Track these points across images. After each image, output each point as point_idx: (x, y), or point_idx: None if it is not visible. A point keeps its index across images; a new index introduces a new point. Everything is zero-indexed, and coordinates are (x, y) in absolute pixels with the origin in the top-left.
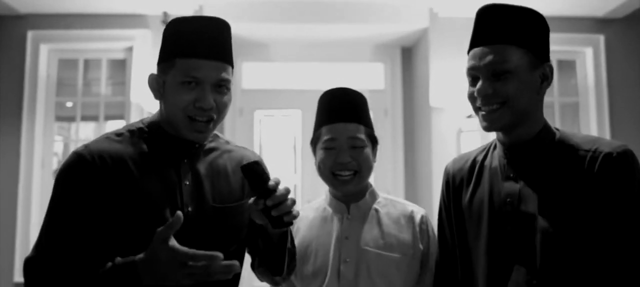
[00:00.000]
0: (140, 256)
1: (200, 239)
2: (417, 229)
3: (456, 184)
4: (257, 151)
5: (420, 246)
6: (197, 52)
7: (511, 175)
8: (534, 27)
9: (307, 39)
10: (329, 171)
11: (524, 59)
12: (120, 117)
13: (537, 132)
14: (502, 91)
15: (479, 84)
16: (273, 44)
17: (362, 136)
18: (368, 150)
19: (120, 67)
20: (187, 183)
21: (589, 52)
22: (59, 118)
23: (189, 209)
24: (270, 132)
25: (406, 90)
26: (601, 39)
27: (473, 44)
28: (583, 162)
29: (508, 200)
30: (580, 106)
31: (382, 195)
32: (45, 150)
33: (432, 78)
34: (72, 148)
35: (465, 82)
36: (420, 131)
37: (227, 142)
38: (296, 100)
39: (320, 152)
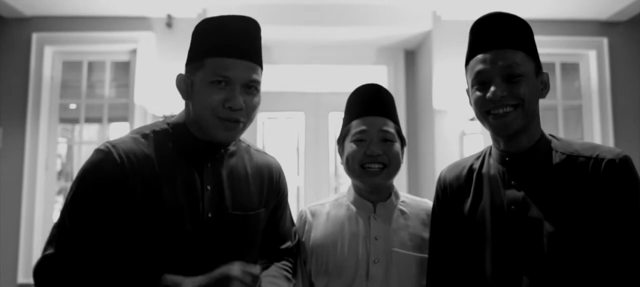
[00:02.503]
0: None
1: (218, 246)
2: None
3: (453, 192)
4: None
5: None
6: (227, 51)
7: (513, 182)
8: (531, 36)
9: (310, 42)
10: (358, 164)
11: (531, 65)
12: (124, 119)
13: (537, 140)
14: (517, 93)
15: (493, 87)
16: (276, 46)
17: (393, 131)
18: (397, 146)
19: (124, 70)
20: (209, 188)
21: (592, 55)
22: (63, 120)
23: (209, 215)
24: (273, 134)
25: (409, 92)
26: (605, 41)
27: (475, 52)
28: (585, 169)
29: (512, 207)
30: (584, 109)
31: (402, 194)
32: (49, 152)
33: (435, 81)
34: (76, 150)
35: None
36: (423, 134)
37: (248, 146)
38: (299, 103)
39: (349, 146)
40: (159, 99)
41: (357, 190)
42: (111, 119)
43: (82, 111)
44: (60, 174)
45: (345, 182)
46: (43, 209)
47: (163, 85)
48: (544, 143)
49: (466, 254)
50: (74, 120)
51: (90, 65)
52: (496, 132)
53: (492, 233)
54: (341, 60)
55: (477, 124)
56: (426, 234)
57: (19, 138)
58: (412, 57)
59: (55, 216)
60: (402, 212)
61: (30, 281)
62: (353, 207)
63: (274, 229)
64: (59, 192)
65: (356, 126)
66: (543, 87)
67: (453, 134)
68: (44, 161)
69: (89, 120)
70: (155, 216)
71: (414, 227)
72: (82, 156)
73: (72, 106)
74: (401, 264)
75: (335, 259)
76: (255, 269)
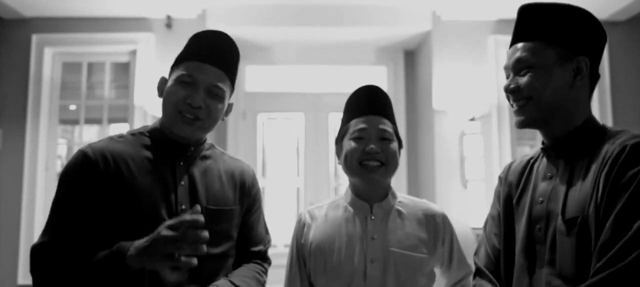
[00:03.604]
0: (138, 241)
1: None
2: (438, 228)
3: (508, 182)
4: (259, 153)
5: (441, 245)
6: (199, 56)
7: (549, 174)
8: (568, 21)
9: (310, 42)
10: (357, 161)
11: (552, 54)
12: (124, 120)
13: (575, 128)
14: (526, 86)
15: (508, 80)
16: (276, 47)
17: (390, 130)
18: (395, 145)
19: (124, 71)
20: (183, 184)
21: None
22: (63, 121)
23: (183, 207)
24: (273, 135)
25: (409, 93)
26: None
27: (511, 44)
28: (610, 156)
29: (540, 200)
30: None
31: (400, 194)
32: (49, 152)
33: (435, 81)
34: (76, 151)
35: (467, 85)
36: (423, 134)
37: (223, 153)
38: (299, 103)
39: (348, 144)
40: (158, 99)
41: (355, 190)
42: (111, 120)
43: (82, 112)
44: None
45: (345, 183)
46: (43, 209)
47: None
48: (586, 130)
49: (504, 244)
50: (74, 121)
51: (90, 66)
52: (516, 124)
53: (525, 225)
54: (341, 60)
55: (477, 124)
56: (423, 234)
57: (19, 139)
58: (412, 57)
59: None
60: (399, 213)
61: (31, 281)
62: (350, 208)
63: (246, 231)
64: None
65: (355, 125)
66: (576, 73)
67: (453, 134)
68: (44, 161)
69: (88, 121)
70: (131, 209)
71: (411, 227)
72: None
73: (72, 107)
74: (398, 263)
75: (332, 260)
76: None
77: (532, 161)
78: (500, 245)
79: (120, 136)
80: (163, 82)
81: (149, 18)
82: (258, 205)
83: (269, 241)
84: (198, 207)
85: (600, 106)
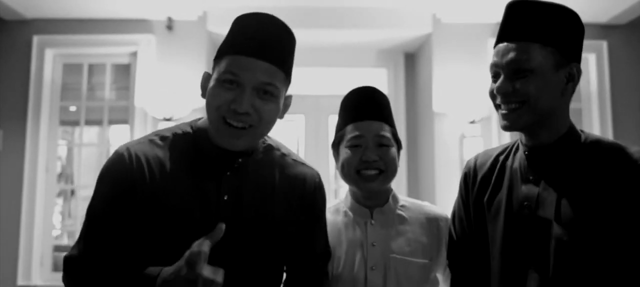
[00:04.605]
0: (166, 269)
1: (230, 258)
2: (442, 232)
3: (477, 180)
4: None
5: (444, 250)
6: (243, 49)
7: (531, 178)
8: (563, 25)
9: (310, 45)
10: (354, 170)
11: (549, 58)
12: (124, 121)
13: (562, 135)
14: (523, 90)
15: (499, 81)
16: None
17: (389, 135)
18: (394, 150)
19: (124, 72)
20: (226, 198)
21: (592, 58)
22: (63, 122)
23: (223, 226)
24: (273, 136)
25: (409, 95)
26: (604, 45)
27: (498, 40)
28: (612, 169)
29: (525, 203)
30: (583, 112)
31: (402, 198)
32: (49, 154)
33: (435, 83)
34: (76, 152)
35: (467, 88)
36: (423, 137)
37: (283, 155)
38: (299, 106)
39: (344, 151)
40: (159, 101)
41: (354, 196)
42: (111, 122)
43: (82, 113)
44: (60, 176)
45: (345, 186)
46: (43, 211)
47: (163, 88)
48: (570, 138)
49: (479, 245)
50: (74, 123)
51: (91, 67)
52: (503, 127)
53: (503, 228)
54: (341, 63)
55: (477, 126)
56: (426, 239)
57: (20, 140)
58: (412, 60)
59: (56, 218)
60: (401, 217)
61: (30, 282)
62: (350, 214)
63: (303, 247)
64: (59, 194)
65: (351, 131)
66: (568, 80)
67: (453, 137)
68: (44, 163)
69: (89, 122)
70: (164, 224)
71: (413, 232)
72: (82, 158)
73: (73, 108)
74: (399, 270)
75: (333, 267)
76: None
77: (500, 157)
78: (470, 245)
79: (162, 138)
80: (206, 78)
81: (149, 20)
82: (317, 219)
83: (329, 255)
84: (222, 227)
85: (600, 109)
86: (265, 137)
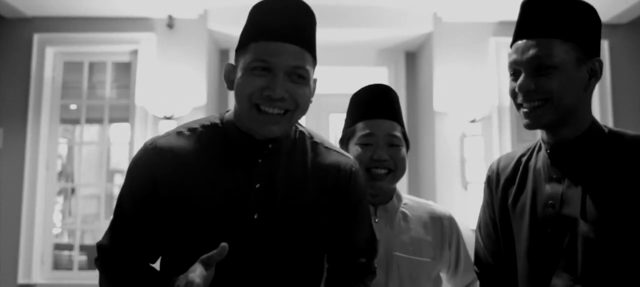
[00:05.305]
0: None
1: (263, 250)
2: (445, 231)
3: (500, 183)
4: None
5: (448, 249)
6: (271, 34)
7: (554, 176)
8: (582, 20)
9: None
10: (364, 168)
11: (571, 54)
12: (125, 120)
13: (584, 131)
14: (546, 87)
15: (521, 79)
16: None
17: (400, 135)
18: (404, 150)
19: (125, 70)
20: (258, 186)
21: None
22: (64, 120)
23: (255, 216)
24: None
25: (410, 94)
26: (605, 44)
27: (516, 37)
28: (637, 161)
29: (550, 202)
30: None
31: (405, 196)
32: (49, 152)
33: (436, 83)
34: (77, 150)
35: (468, 87)
36: (423, 136)
37: (317, 143)
38: None
39: (354, 148)
40: (160, 99)
41: None
42: (112, 120)
43: (82, 112)
44: (60, 174)
45: None
46: (43, 209)
47: (164, 86)
48: (593, 133)
49: (505, 248)
50: (75, 121)
51: (91, 66)
52: (526, 126)
53: (528, 228)
54: (342, 61)
55: (478, 125)
56: (428, 238)
57: (20, 138)
58: (413, 58)
59: (56, 216)
60: (404, 216)
61: (31, 281)
62: None
63: (343, 240)
64: (60, 193)
65: (362, 129)
66: (591, 75)
67: (453, 136)
68: (45, 161)
69: (89, 121)
70: (193, 215)
71: (416, 231)
72: (83, 157)
73: (73, 107)
74: (402, 268)
75: None
76: None
77: (523, 158)
78: (498, 248)
79: (190, 129)
80: (231, 70)
81: (150, 18)
82: (357, 208)
83: (374, 251)
84: (226, 246)
85: (601, 108)
86: (297, 125)
